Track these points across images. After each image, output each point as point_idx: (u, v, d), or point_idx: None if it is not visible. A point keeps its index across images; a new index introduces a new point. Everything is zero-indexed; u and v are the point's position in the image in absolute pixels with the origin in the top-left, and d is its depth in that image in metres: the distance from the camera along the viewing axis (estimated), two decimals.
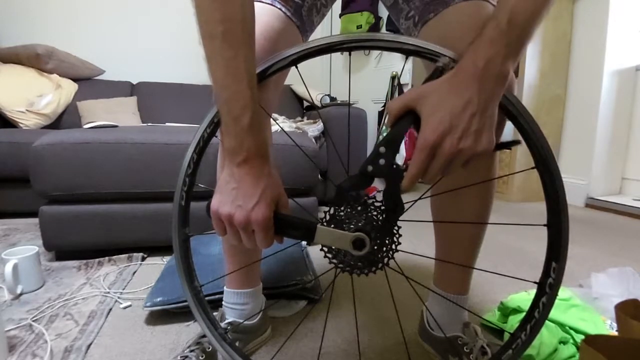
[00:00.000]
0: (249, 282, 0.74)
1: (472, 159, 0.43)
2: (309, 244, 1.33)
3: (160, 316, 0.89)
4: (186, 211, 0.57)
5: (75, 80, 2.32)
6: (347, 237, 0.46)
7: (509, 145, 0.45)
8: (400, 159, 2.46)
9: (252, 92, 0.45)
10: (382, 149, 0.45)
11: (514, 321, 0.81)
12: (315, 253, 1.19)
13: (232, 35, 0.43)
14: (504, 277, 1.00)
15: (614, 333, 0.75)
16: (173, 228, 0.57)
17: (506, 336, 0.79)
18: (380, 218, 0.47)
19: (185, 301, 0.59)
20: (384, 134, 0.47)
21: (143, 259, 1.26)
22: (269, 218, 0.46)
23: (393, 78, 2.47)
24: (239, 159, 0.46)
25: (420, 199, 0.57)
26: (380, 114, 2.61)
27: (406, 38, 0.47)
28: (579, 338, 0.73)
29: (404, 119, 0.45)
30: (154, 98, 2.43)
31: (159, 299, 0.87)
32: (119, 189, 1.20)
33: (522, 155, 2.28)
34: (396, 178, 0.46)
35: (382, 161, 0.45)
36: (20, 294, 0.99)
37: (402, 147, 2.43)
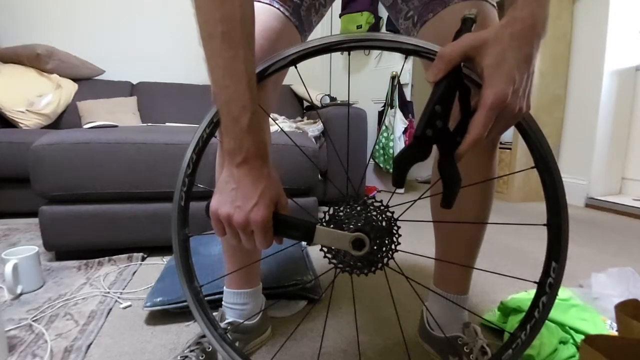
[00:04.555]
0: (249, 282, 0.74)
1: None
2: (308, 244, 1.33)
3: (160, 316, 0.89)
4: (186, 211, 0.57)
5: (75, 80, 2.32)
6: (347, 238, 0.46)
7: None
8: None
9: (251, 92, 0.45)
10: (437, 108, 0.39)
11: (514, 321, 0.81)
12: (315, 253, 1.19)
13: (232, 35, 0.43)
14: (504, 277, 1.00)
15: (614, 333, 0.75)
16: (173, 228, 0.57)
17: (506, 336, 0.79)
18: (382, 218, 0.47)
19: (185, 301, 0.59)
20: (433, 92, 0.40)
21: (143, 259, 1.26)
22: (268, 219, 0.46)
23: (393, 78, 2.47)
24: (238, 159, 0.46)
25: (420, 199, 0.57)
26: (380, 114, 2.61)
27: (406, 38, 0.47)
28: (579, 338, 0.73)
29: (459, 71, 0.39)
30: (154, 98, 2.43)
31: (159, 299, 0.87)
32: (119, 189, 1.20)
33: (522, 155, 2.28)
34: (453, 143, 0.40)
35: (439, 123, 0.40)
36: (20, 294, 0.99)
37: (402, 146, 2.43)
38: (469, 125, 0.40)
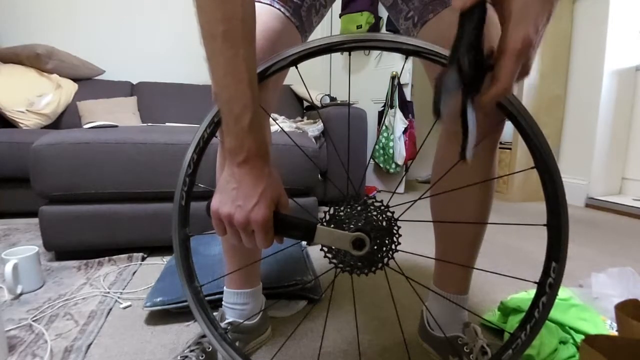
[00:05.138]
0: (249, 282, 0.74)
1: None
2: (309, 244, 1.34)
3: (160, 316, 0.89)
4: (186, 211, 0.57)
5: (75, 80, 2.32)
6: (347, 237, 0.46)
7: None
8: (400, 159, 2.46)
9: (252, 92, 0.45)
10: (476, 34, 0.36)
11: (514, 321, 0.81)
12: (315, 253, 1.19)
13: (233, 34, 0.43)
14: (504, 277, 1.00)
15: (614, 333, 0.75)
16: (173, 228, 0.57)
17: (506, 336, 0.79)
18: (382, 218, 0.47)
19: (185, 301, 0.59)
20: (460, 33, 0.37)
21: (143, 259, 1.26)
22: (269, 218, 0.46)
23: (393, 78, 2.47)
24: (239, 159, 0.46)
25: (420, 199, 0.57)
26: (380, 114, 2.61)
27: (406, 38, 0.47)
28: (579, 338, 0.73)
29: (485, 4, 0.37)
30: (154, 98, 2.43)
31: (159, 299, 0.87)
32: (119, 189, 1.20)
33: (522, 155, 2.28)
34: (479, 83, 0.38)
35: (477, 54, 0.37)
36: (20, 294, 0.99)
37: (402, 147, 2.43)
38: (497, 73, 0.37)
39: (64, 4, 2.50)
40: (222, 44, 0.43)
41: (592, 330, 0.74)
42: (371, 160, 2.64)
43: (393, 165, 2.49)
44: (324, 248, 0.48)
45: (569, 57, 2.30)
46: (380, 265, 0.48)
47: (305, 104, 2.65)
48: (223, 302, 0.76)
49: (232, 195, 0.46)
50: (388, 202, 0.48)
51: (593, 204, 2.16)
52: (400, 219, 0.48)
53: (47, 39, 2.26)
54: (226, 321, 0.72)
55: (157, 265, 1.21)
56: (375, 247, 0.47)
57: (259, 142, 0.46)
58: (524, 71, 0.39)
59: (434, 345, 0.74)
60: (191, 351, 0.68)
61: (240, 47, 0.44)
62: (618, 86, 2.13)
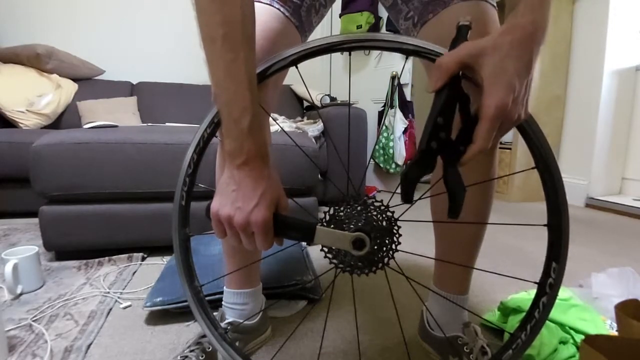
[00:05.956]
0: (249, 283, 0.74)
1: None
2: (309, 244, 1.33)
3: (160, 316, 0.89)
4: (186, 211, 0.57)
5: (75, 80, 2.32)
6: (347, 238, 0.46)
7: None
8: (400, 159, 2.46)
9: (252, 94, 0.45)
10: (440, 120, 0.39)
11: (514, 321, 0.81)
12: (315, 253, 1.19)
13: (232, 37, 0.43)
14: (504, 277, 1.00)
15: (614, 333, 0.75)
16: (173, 228, 0.57)
17: (506, 336, 0.79)
18: (382, 218, 0.47)
19: (185, 301, 0.59)
20: (433, 105, 0.40)
21: (143, 259, 1.26)
22: (269, 220, 0.46)
23: (393, 78, 2.46)
24: (239, 161, 0.46)
25: (420, 199, 0.57)
26: (380, 114, 2.61)
27: (406, 38, 0.47)
28: (579, 338, 0.73)
29: (458, 80, 0.39)
30: (154, 98, 2.43)
31: (158, 299, 0.87)
32: (119, 189, 1.20)
33: (522, 155, 2.28)
34: (457, 153, 0.40)
35: (442, 134, 0.40)
36: (20, 294, 0.99)
37: (402, 147, 2.43)
38: (474, 135, 0.40)
39: (64, 4, 2.50)
40: (221, 46, 0.43)
41: (592, 330, 0.74)
42: (371, 160, 2.64)
43: (393, 165, 2.49)
44: (324, 248, 0.48)
45: (569, 57, 2.30)
46: (380, 265, 0.48)
47: (305, 104, 2.65)
48: (223, 302, 0.76)
49: (232, 197, 0.46)
50: (388, 202, 0.48)
51: (593, 204, 2.16)
52: (400, 219, 0.48)
53: (47, 39, 2.26)
54: (226, 321, 0.72)
55: (157, 265, 1.21)
56: (376, 247, 0.47)
57: (259, 144, 0.46)
58: (506, 128, 0.41)
59: (434, 345, 0.74)
60: (191, 351, 0.68)
61: (240, 50, 0.44)
62: (618, 86, 2.13)
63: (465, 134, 0.40)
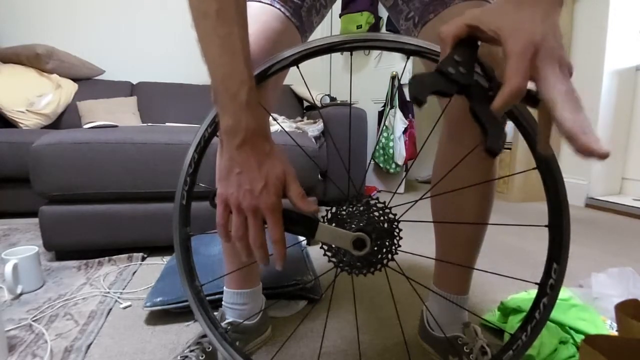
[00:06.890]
0: (249, 282, 0.74)
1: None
2: (309, 242, 1.33)
3: (160, 316, 0.89)
4: (187, 210, 0.57)
5: (75, 80, 2.32)
6: (348, 237, 0.46)
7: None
8: (400, 159, 2.46)
9: (248, 69, 0.44)
10: (457, 57, 0.36)
11: (514, 321, 0.81)
12: (315, 253, 1.19)
13: (226, 12, 0.43)
14: (504, 277, 1.00)
15: (614, 333, 0.75)
16: (174, 227, 0.57)
17: (506, 336, 0.79)
18: (384, 219, 0.47)
19: (185, 301, 0.59)
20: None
21: (143, 259, 1.26)
22: (278, 200, 0.45)
23: (393, 78, 2.46)
24: (238, 139, 0.44)
25: (420, 199, 0.57)
26: (380, 114, 2.61)
27: (407, 38, 0.47)
28: (579, 338, 0.73)
29: (468, 43, 0.36)
30: (154, 98, 2.43)
31: (158, 299, 0.87)
32: (119, 189, 1.20)
33: (522, 155, 2.28)
34: (485, 97, 0.37)
35: (461, 69, 0.36)
36: (20, 294, 0.99)
37: (402, 147, 2.43)
38: (504, 76, 0.33)
39: (64, 4, 2.50)
40: (215, 21, 0.43)
41: (592, 330, 0.74)
42: (371, 160, 2.64)
43: (393, 165, 2.49)
44: (323, 246, 0.48)
45: (569, 57, 2.30)
46: (379, 266, 0.48)
47: (306, 104, 2.65)
48: (223, 302, 0.76)
49: (238, 180, 0.45)
50: (389, 202, 0.48)
51: (593, 204, 2.16)
52: (400, 219, 0.48)
53: (47, 39, 2.26)
54: (226, 321, 0.72)
55: (157, 265, 1.21)
56: (376, 249, 0.47)
57: (258, 118, 0.45)
58: (557, 55, 0.34)
59: (434, 345, 0.74)
60: (191, 351, 0.68)
61: (234, 25, 0.43)
62: (618, 86, 2.13)
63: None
